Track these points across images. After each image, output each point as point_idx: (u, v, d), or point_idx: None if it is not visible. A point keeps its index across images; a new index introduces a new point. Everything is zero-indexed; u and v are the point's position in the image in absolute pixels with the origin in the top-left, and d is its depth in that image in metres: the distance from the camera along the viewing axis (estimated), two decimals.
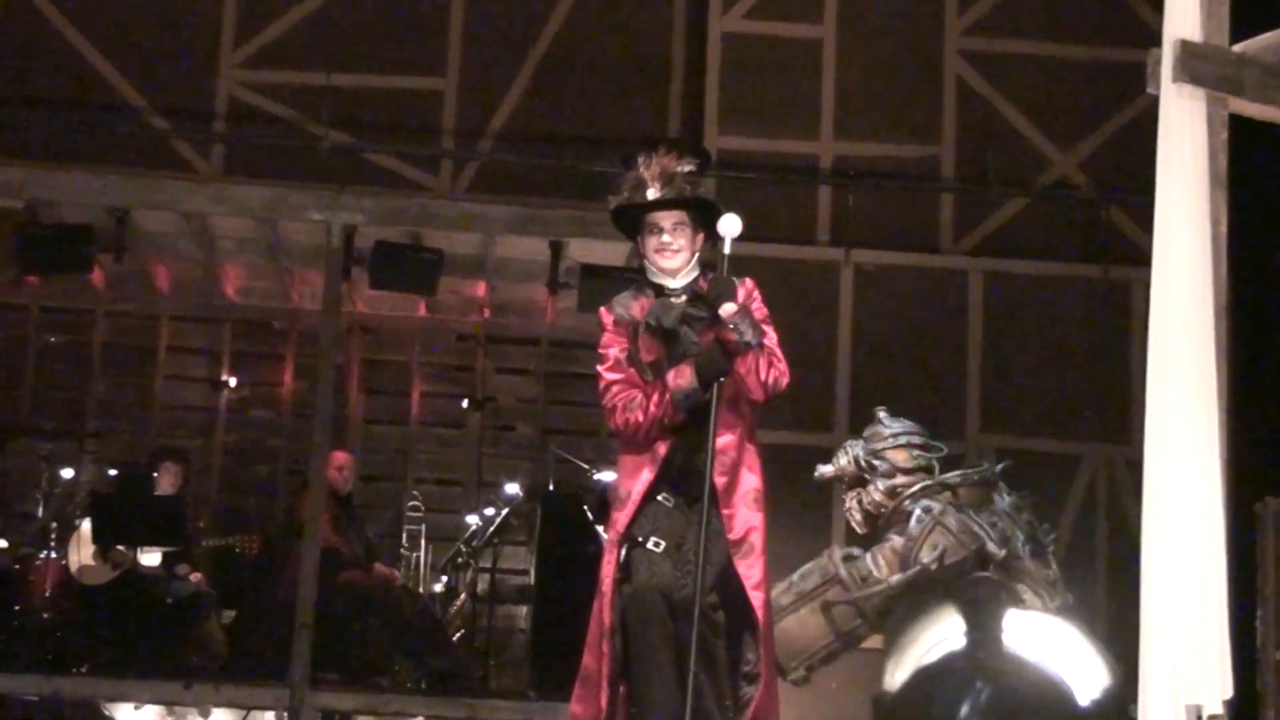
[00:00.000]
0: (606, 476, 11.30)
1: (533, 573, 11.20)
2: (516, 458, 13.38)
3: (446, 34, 10.58)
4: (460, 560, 11.75)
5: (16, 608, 10.48)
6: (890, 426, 7.88)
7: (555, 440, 12.86)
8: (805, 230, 10.23)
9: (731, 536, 5.61)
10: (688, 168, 5.70)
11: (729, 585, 5.61)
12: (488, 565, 11.37)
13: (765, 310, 5.73)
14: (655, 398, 5.58)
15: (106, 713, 10.83)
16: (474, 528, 11.87)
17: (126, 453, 12.82)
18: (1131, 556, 5.45)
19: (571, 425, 13.46)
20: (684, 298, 5.67)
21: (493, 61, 10.57)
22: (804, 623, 7.04)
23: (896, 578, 6.81)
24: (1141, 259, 8.49)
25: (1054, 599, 6.88)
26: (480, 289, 12.85)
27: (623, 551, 5.69)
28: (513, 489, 12.13)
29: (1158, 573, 5.04)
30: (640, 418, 5.62)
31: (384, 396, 13.71)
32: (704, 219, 5.71)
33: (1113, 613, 9.29)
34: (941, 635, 2.74)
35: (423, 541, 12.14)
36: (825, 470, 8.32)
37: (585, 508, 10.85)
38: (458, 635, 11.27)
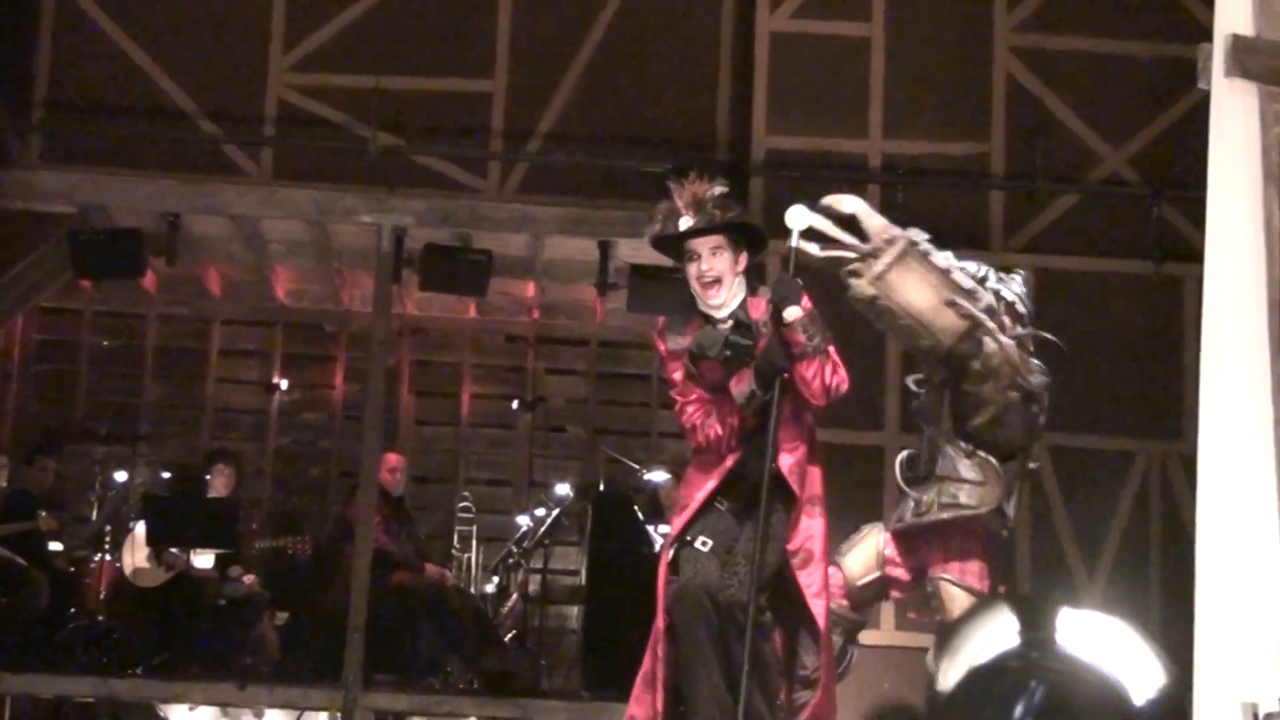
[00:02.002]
0: (657, 476, 11.31)
1: (584, 573, 11.21)
2: (567, 458, 13.39)
3: (494, 36, 10.60)
4: (511, 561, 11.77)
5: (72, 610, 10.57)
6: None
7: (605, 440, 12.87)
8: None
9: (791, 546, 5.63)
10: (719, 191, 5.68)
11: (787, 592, 5.63)
12: (539, 566, 11.39)
13: (817, 315, 5.73)
14: (728, 408, 5.60)
15: (161, 714, 10.90)
16: (525, 528, 11.89)
17: (179, 456, 12.90)
18: (1185, 553, 5.42)
19: (621, 425, 13.47)
20: (729, 323, 5.64)
21: (541, 62, 10.57)
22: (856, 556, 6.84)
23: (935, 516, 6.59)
24: (1193, 255, 8.42)
25: None
26: (530, 290, 12.87)
27: (672, 552, 5.72)
28: (563, 489, 12.15)
29: (1212, 570, 5.01)
30: (719, 430, 5.67)
31: (435, 398, 13.76)
32: (744, 237, 5.73)
33: (1167, 610, 9.23)
34: (994, 635, 2.74)
35: (474, 542, 12.18)
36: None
37: (636, 507, 10.85)
38: (509, 636, 11.29)
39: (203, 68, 10.51)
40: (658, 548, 10.29)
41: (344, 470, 13.20)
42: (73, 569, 10.94)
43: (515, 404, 13.18)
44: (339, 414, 13.61)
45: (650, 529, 10.48)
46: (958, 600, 6.29)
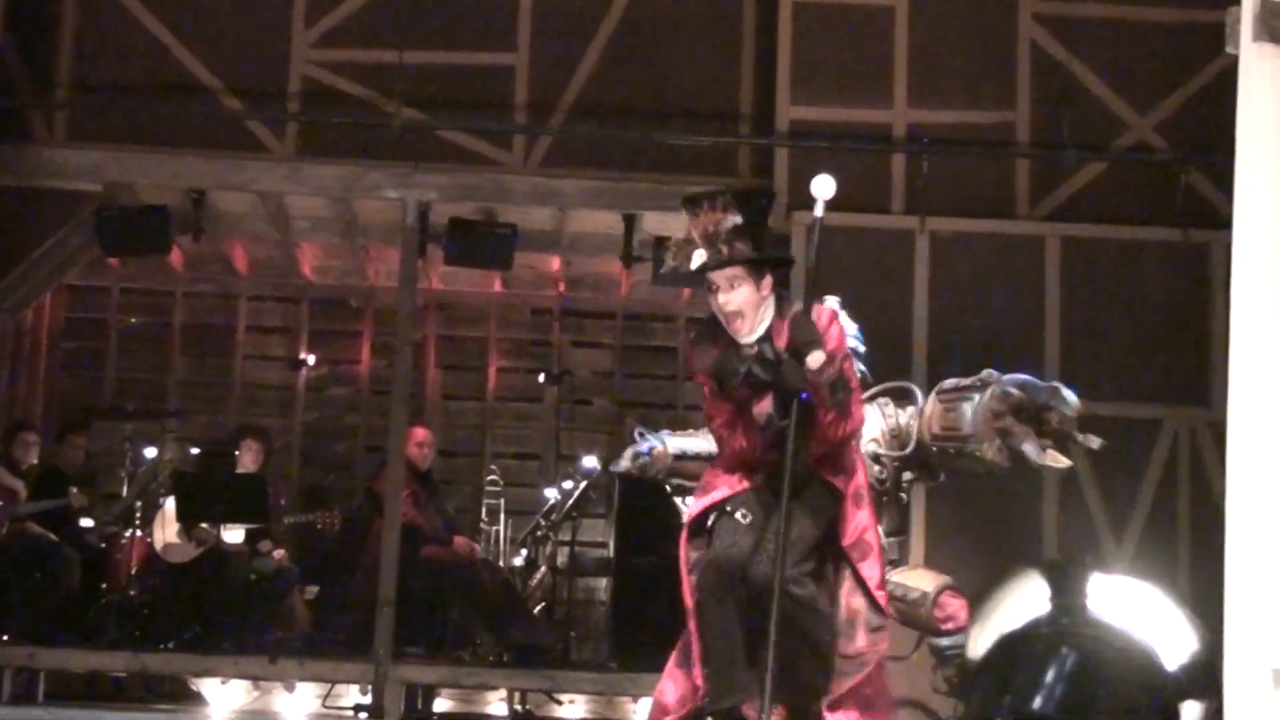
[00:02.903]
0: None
1: (612, 545, 11.24)
2: (594, 431, 13.41)
3: (517, 8, 10.58)
4: (539, 534, 11.79)
5: (104, 586, 10.63)
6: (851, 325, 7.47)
7: (632, 413, 12.88)
8: (880, 198, 10.17)
9: (846, 541, 5.63)
10: (734, 222, 5.52)
11: (834, 577, 5.64)
12: (567, 538, 11.41)
13: (843, 342, 5.64)
14: (755, 422, 5.58)
15: (193, 688, 10.97)
16: (552, 501, 11.91)
17: (208, 431, 12.96)
18: (1214, 521, 5.41)
19: (648, 398, 13.48)
20: (755, 349, 5.59)
21: (563, 35, 10.56)
22: None
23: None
24: (1221, 222, 8.38)
25: None
26: (555, 263, 12.88)
27: (710, 519, 5.71)
28: (590, 462, 12.15)
29: (1241, 536, 5.00)
30: (744, 443, 5.63)
31: (461, 372, 13.78)
32: (769, 260, 5.61)
33: (1195, 578, 9.21)
34: (1025, 602, 2.73)
35: (502, 515, 12.21)
36: None
37: (663, 480, 10.85)
38: (538, 608, 11.32)
39: (227, 44, 10.52)
40: (685, 519, 10.31)
41: (371, 445, 13.24)
42: (104, 545, 11.00)
43: (541, 377, 13.18)
44: (366, 389, 13.65)
45: (677, 501, 10.48)
46: None
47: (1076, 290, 10.05)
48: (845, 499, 5.65)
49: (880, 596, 5.65)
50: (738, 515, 5.61)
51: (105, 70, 10.50)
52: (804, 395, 5.38)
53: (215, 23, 10.57)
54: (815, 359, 5.36)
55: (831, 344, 5.51)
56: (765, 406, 5.48)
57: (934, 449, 6.96)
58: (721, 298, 5.52)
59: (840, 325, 5.66)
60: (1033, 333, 9.96)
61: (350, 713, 10.12)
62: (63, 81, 10.51)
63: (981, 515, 9.55)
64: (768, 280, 5.58)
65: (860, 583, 5.63)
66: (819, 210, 5.57)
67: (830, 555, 5.66)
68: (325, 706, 10.67)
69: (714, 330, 5.66)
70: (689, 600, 5.72)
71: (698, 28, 10.62)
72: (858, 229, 9.98)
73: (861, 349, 6.95)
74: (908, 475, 7.15)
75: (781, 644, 5.32)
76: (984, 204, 10.19)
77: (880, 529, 6.16)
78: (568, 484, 11.87)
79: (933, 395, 7.06)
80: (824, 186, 5.60)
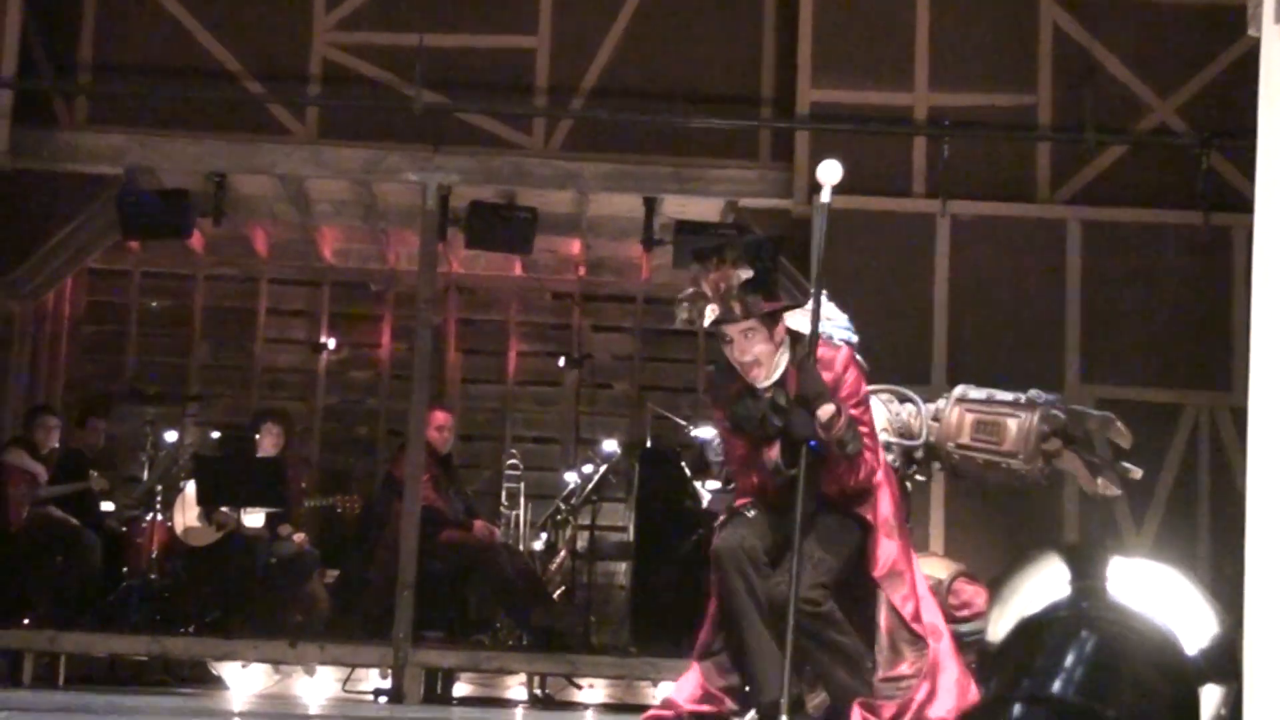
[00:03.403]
0: (704, 432, 11.31)
1: (632, 529, 11.24)
2: (614, 415, 13.42)
3: None
4: (559, 517, 11.80)
5: (125, 570, 10.67)
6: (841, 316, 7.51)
7: (652, 397, 12.87)
8: (900, 182, 10.15)
9: (878, 573, 5.69)
10: (744, 276, 5.48)
11: (883, 606, 5.68)
12: (587, 522, 11.41)
13: (859, 386, 5.68)
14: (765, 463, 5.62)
15: (214, 671, 11.00)
16: (573, 485, 11.92)
17: (228, 415, 12.99)
18: (1235, 505, 5.39)
19: (668, 382, 13.48)
20: (769, 394, 5.59)
21: (584, 18, 10.55)
22: None
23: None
24: (1243, 205, 8.34)
25: None
26: (575, 247, 12.87)
27: (721, 518, 5.79)
28: (610, 446, 12.16)
29: (1262, 521, 4.98)
30: (757, 480, 5.65)
31: (481, 356, 13.79)
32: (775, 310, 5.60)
33: (1216, 563, 9.19)
34: (1045, 585, 2.74)
35: (522, 499, 12.22)
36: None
37: (683, 463, 10.87)
38: (558, 592, 11.33)
39: (247, 28, 10.53)
40: (705, 503, 10.32)
41: (391, 429, 13.26)
42: (124, 529, 11.04)
43: (562, 361, 13.19)
44: (386, 373, 13.66)
45: (697, 485, 10.49)
46: None
47: (1097, 274, 10.03)
48: (874, 529, 5.69)
49: (919, 628, 5.69)
50: (747, 512, 5.67)
51: (126, 54, 10.52)
52: (814, 444, 5.40)
53: (236, 6, 10.59)
54: (825, 411, 5.40)
55: (844, 390, 5.55)
56: (774, 454, 5.51)
57: (956, 455, 7.09)
58: (737, 350, 5.55)
59: (855, 370, 5.67)
60: (1053, 316, 9.94)
61: (370, 697, 10.15)
62: (84, 65, 10.53)
63: (1001, 500, 9.52)
64: (781, 327, 5.61)
65: (894, 611, 5.68)
66: (825, 195, 5.56)
67: (862, 584, 5.72)
68: (345, 690, 10.70)
69: (731, 372, 5.68)
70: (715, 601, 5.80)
71: (718, 10, 10.61)
72: (879, 212, 9.97)
73: (854, 339, 6.97)
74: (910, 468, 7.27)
75: (814, 656, 5.51)
76: (1005, 187, 10.16)
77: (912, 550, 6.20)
78: (588, 468, 11.87)
79: (954, 402, 7.18)
80: (830, 172, 5.58)
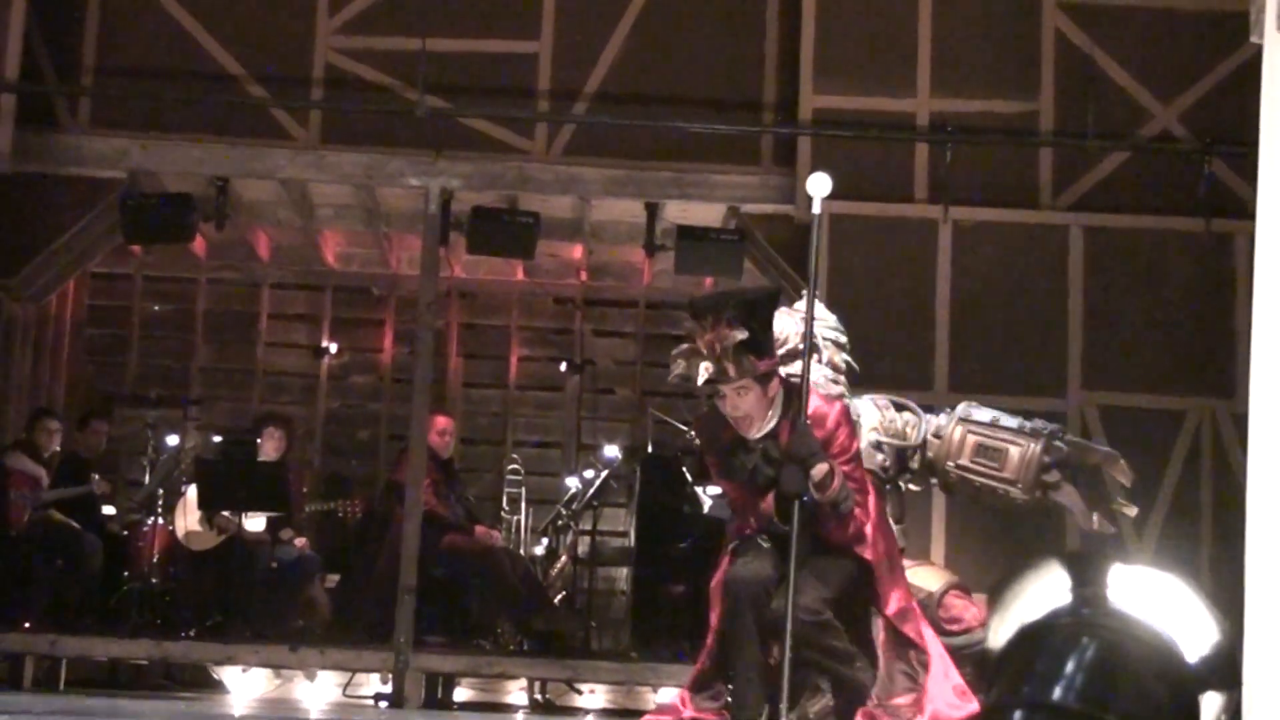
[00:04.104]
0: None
1: (632, 534, 11.24)
2: (615, 420, 13.42)
3: None
4: (560, 522, 11.80)
5: (125, 573, 10.66)
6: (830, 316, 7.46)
7: (654, 402, 12.87)
8: (902, 188, 10.15)
9: (890, 611, 5.76)
10: (738, 337, 5.51)
11: (887, 639, 5.78)
12: (588, 527, 11.41)
13: (852, 443, 5.71)
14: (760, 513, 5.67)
15: (215, 676, 10.99)
16: (574, 490, 11.91)
17: (230, 419, 12.99)
18: (1236, 512, 5.38)
19: (670, 387, 13.43)
20: (760, 447, 5.62)
21: (587, 23, 10.55)
22: None
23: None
24: (1245, 211, 8.36)
25: None
26: (577, 252, 12.87)
27: (732, 544, 5.83)
28: (612, 451, 12.17)
29: (1263, 528, 4.98)
30: (754, 524, 5.67)
31: (483, 360, 13.79)
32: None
33: (1217, 570, 9.18)
34: (1046, 592, 2.73)
35: (523, 504, 12.21)
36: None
37: (684, 469, 10.86)
38: (559, 597, 11.33)
39: (250, 32, 10.54)
40: (706, 508, 10.32)
41: (393, 433, 13.26)
42: (125, 532, 11.04)
43: (563, 366, 13.21)
44: (388, 377, 13.66)
45: (699, 490, 10.49)
46: None
47: (1099, 280, 10.02)
48: (874, 570, 5.72)
49: (928, 658, 5.73)
50: (759, 539, 5.71)
51: (130, 57, 10.52)
52: (806, 498, 5.41)
53: (239, 10, 10.59)
54: (818, 470, 5.43)
55: (835, 447, 5.58)
56: (768, 506, 5.54)
57: (954, 475, 7.15)
58: (730, 403, 5.59)
59: (848, 426, 5.68)
60: (1055, 322, 9.94)
61: (371, 701, 10.14)
62: (88, 69, 10.54)
63: None
64: (775, 382, 5.64)
65: (903, 642, 5.74)
66: (816, 207, 5.56)
67: (862, 616, 5.79)
68: (346, 695, 10.69)
69: (723, 420, 5.71)
70: (711, 623, 5.88)
71: (721, 16, 10.61)
72: (881, 218, 9.98)
73: (843, 339, 6.97)
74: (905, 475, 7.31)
75: (820, 664, 5.60)
76: (1007, 193, 10.16)
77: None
78: (589, 473, 11.87)
79: (957, 421, 7.22)
80: (819, 185, 5.60)
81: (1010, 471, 6.99)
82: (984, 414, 7.28)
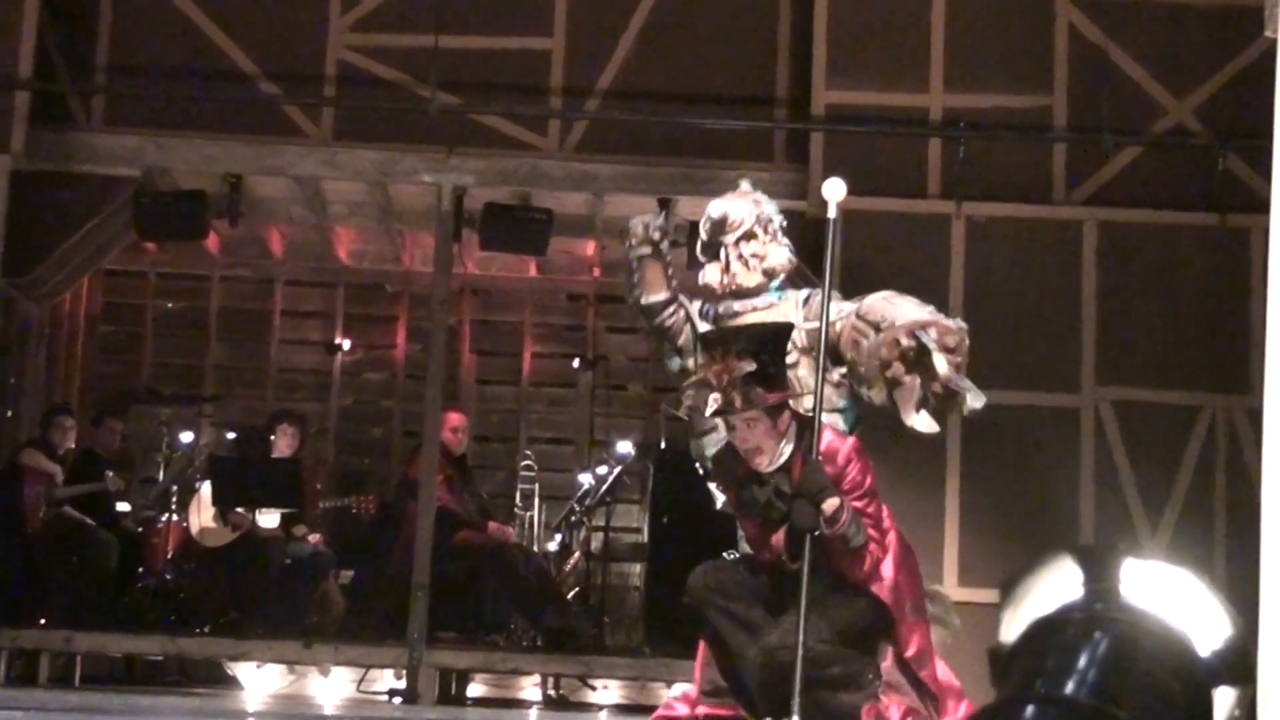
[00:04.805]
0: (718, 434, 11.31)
1: (646, 530, 11.25)
2: (628, 416, 13.42)
3: None
4: (574, 519, 11.81)
5: (140, 570, 10.69)
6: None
7: (666, 398, 12.86)
8: (916, 183, 10.13)
9: (907, 654, 5.77)
10: (747, 369, 5.54)
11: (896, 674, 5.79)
12: (601, 523, 11.42)
13: (864, 479, 5.69)
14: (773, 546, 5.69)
15: (229, 671, 11.02)
16: (587, 486, 11.92)
17: (244, 416, 13.02)
18: (1251, 507, 5.37)
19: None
20: (773, 481, 5.63)
21: (599, 19, 10.55)
22: None
23: None
24: (1260, 206, 8.30)
25: None
26: (590, 248, 12.88)
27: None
28: (625, 447, 12.17)
29: (1278, 523, 4.96)
30: (767, 558, 5.69)
31: (496, 357, 13.81)
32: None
33: (1231, 565, 9.16)
34: (1058, 586, 2.73)
35: (536, 500, 12.21)
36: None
37: (697, 465, 10.84)
38: (572, 593, 11.34)
39: (263, 29, 10.54)
40: (719, 504, 10.31)
41: (407, 430, 13.28)
42: (140, 529, 11.07)
43: (576, 362, 13.21)
44: (401, 374, 13.69)
45: (712, 486, 10.47)
46: None
47: (1113, 275, 10.00)
48: (891, 610, 5.73)
49: (940, 703, 5.78)
50: (726, 554, 5.81)
51: (143, 55, 10.54)
52: (817, 533, 5.43)
53: (252, 8, 10.60)
54: (829, 505, 5.44)
55: (847, 483, 5.59)
56: (779, 541, 5.55)
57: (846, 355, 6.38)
58: (740, 435, 5.63)
59: (860, 461, 5.66)
60: (1069, 318, 9.91)
61: (385, 697, 10.16)
62: (101, 66, 10.55)
63: (1016, 501, 9.53)
64: (787, 416, 5.66)
65: (916, 685, 5.76)
66: (832, 211, 5.55)
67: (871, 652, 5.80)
68: (360, 691, 10.71)
69: (738, 455, 5.75)
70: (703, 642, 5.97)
71: (733, 12, 10.60)
72: (893, 214, 9.96)
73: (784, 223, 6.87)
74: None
75: (821, 700, 5.59)
76: (1021, 188, 10.14)
77: None
78: (602, 469, 11.88)
79: (854, 308, 6.46)
80: (834, 189, 5.59)
81: (863, 365, 6.18)
82: (878, 299, 6.44)
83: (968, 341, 6.25)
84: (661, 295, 7.15)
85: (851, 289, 9.53)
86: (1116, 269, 10.00)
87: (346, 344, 13.57)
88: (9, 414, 10.75)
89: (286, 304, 13.75)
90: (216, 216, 10.80)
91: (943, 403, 6.20)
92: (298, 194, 11.25)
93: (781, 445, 5.64)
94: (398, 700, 9.68)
